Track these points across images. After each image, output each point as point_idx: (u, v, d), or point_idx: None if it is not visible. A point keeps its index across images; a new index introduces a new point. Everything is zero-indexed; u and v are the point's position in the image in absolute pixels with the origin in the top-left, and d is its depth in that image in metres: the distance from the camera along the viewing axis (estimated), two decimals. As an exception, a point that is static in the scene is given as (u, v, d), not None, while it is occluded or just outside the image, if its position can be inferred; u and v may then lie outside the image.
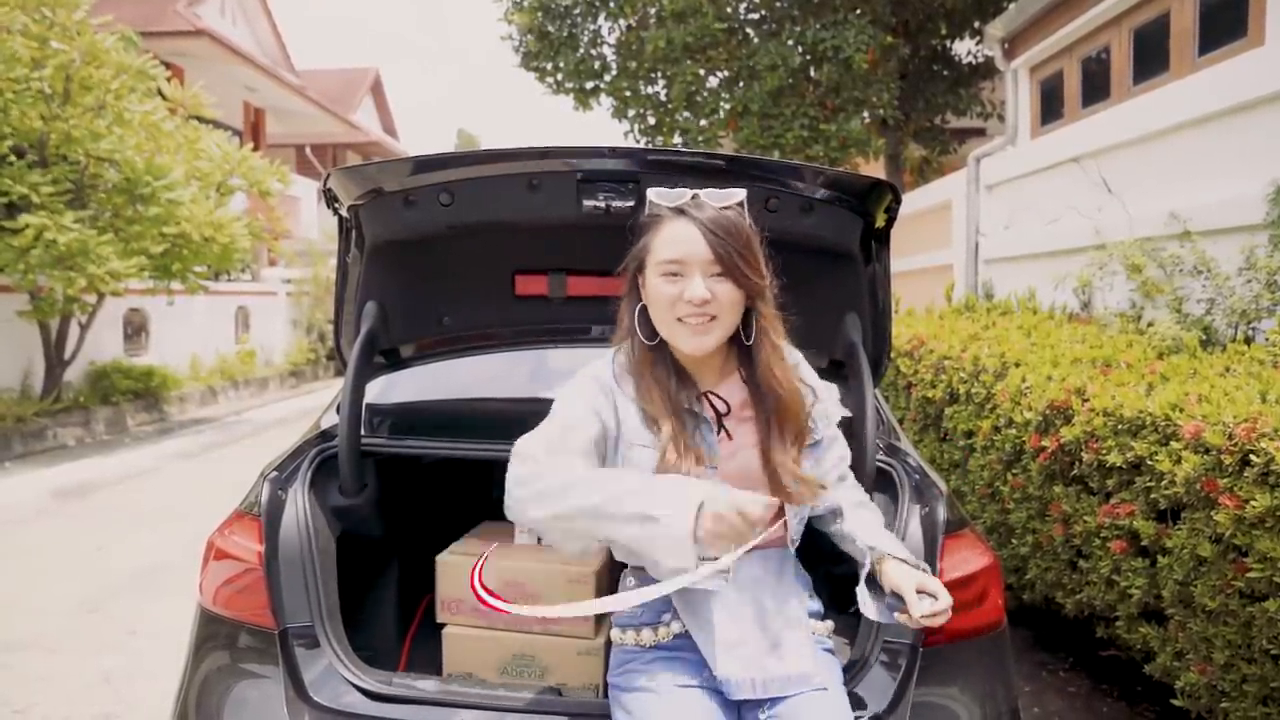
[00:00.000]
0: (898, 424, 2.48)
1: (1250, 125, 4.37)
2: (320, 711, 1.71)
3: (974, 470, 3.79)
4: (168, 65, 11.34)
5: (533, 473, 1.42)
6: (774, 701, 1.54)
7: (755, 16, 11.13)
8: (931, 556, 1.81)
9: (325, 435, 2.26)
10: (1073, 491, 3.05)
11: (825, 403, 1.67)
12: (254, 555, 1.88)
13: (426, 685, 1.79)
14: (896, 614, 1.49)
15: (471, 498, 2.68)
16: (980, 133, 12.17)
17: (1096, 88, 6.90)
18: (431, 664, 2.29)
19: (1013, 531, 3.52)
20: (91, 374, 10.37)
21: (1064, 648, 3.67)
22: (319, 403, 8.55)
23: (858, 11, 10.17)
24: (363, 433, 2.21)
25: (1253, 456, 2.22)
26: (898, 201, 2.01)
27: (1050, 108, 7.71)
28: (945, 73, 11.56)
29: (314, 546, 1.91)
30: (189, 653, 1.93)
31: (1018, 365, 3.59)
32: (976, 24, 10.70)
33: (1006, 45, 8.12)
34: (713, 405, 1.61)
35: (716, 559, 1.28)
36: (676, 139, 11.34)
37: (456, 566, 2.27)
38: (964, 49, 11.81)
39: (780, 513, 1.48)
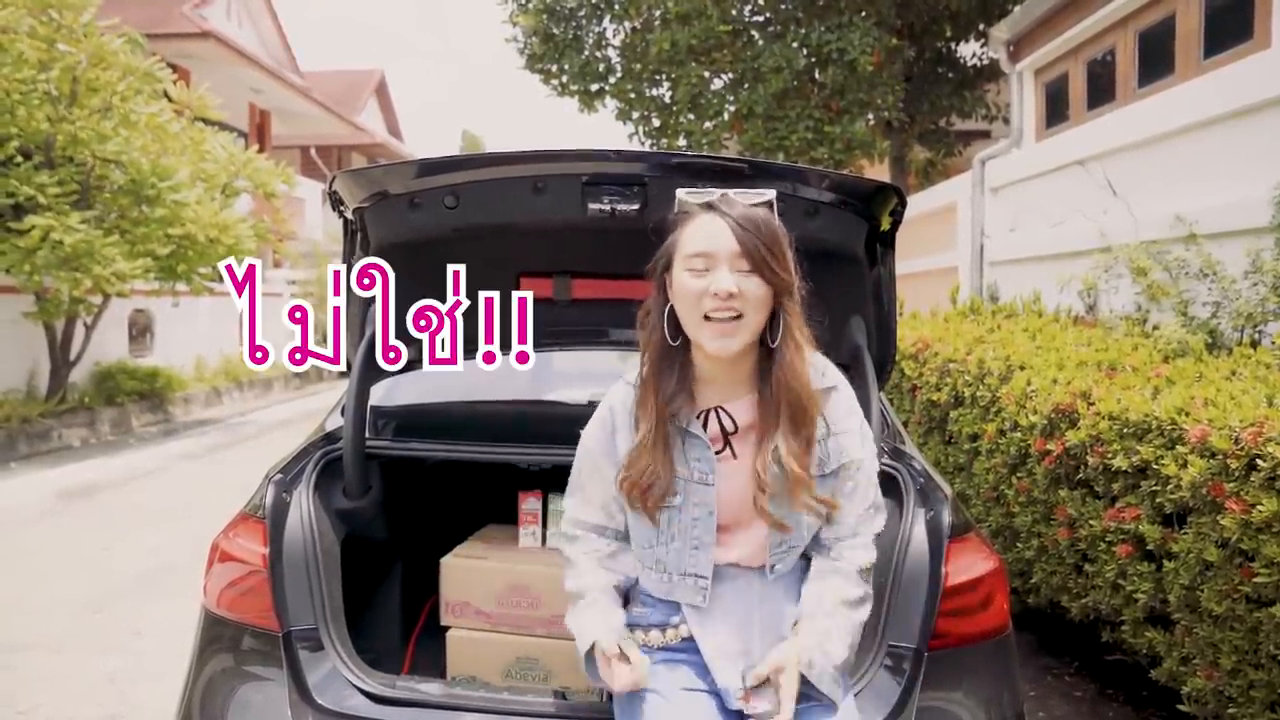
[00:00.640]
0: (902, 427, 2.47)
1: (1256, 128, 4.36)
2: (324, 714, 1.71)
3: (979, 474, 3.78)
4: (173, 67, 11.36)
5: (563, 548, 1.73)
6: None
7: (760, 19, 11.13)
8: (936, 561, 1.81)
9: (330, 437, 2.26)
10: (1078, 495, 3.04)
11: (840, 436, 1.59)
12: (258, 558, 1.88)
13: (430, 688, 1.79)
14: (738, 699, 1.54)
15: (476, 500, 2.68)
16: (985, 135, 12.14)
17: (1101, 90, 6.89)
18: (435, 667, 2.29)
19: (1018, 535, 3.51)
20: (96, 375, 10.40)
21: (1069, 652, 3.66)
22: (323, 404, 8.57)
23: (862, 14, 10.17)
24: (367, 435, 2.21)
25: (1259, 461, 2.21)
26: (903, 204, 2.00)
27: (1055, 110, 7.70)
28: (950, 75, 11.54)
29: (318, 549, 1.91)
30: (193, 655, 1.93)
31: (1023, 368, 3.58)
32: (981, 26, 10.68)
33: (1011, 48, 8.11)
34: (720, 422, 1.59)
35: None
36: (681, 141, 11.34)
37: (460, 569, 2.27)
38: (969, 51, 11.80)
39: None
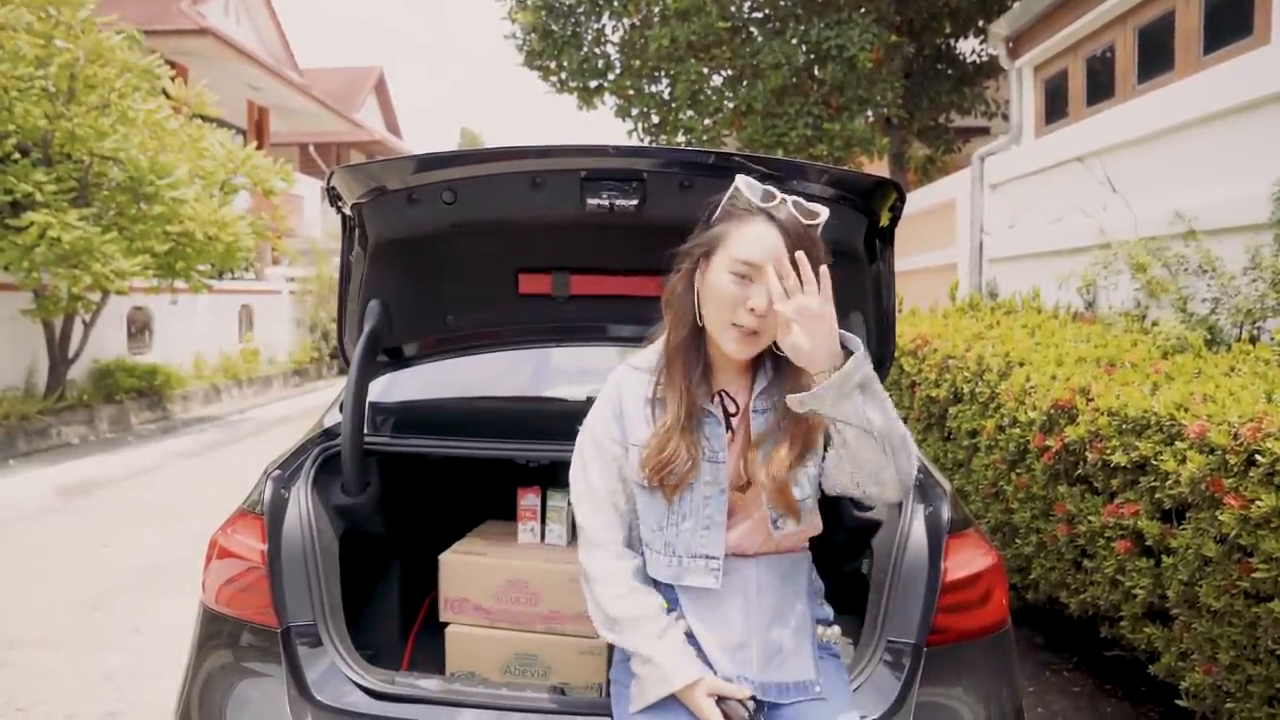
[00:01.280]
0: (902, 423, 2.47)
1: (1255, 124, 4.36)
2: (323, 710, 1.71)
3: (978, 470, 3.78)
4: (172, 64, 11.34)
5: (592, 568, 1.62)
6: (773, 707, 1.55)
7: (759, 15, 11.12)
8: (935, 556, 1.81)
9: (328, 434, 2.26)
10: (1077, 491, 3.05)
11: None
12: (257, 554, 1.88)
13: (429, 684, 1.79)
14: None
15: (475, 496, 2.68)
16: (984, 132, 12.14)
17: (1101, 86, 6.89)
18: (434, 663, 2.29)
19: (1017, 531, 3.51)
20: (95, 372, 10.39)
21: (1068, 648, 3.66)
22: (322, 401, 8.56)
23: (862, 10, 10.15)
24: (366, 431, 2.21)
25: (1258, 456, 2.21)
26: (902, 200, 2.00)
27: (1055, 106, 7.69)
28: (949, 71, 11.53)
29: (317, 545, 1.91)
30: (191, 651, 1.93)
31: (1022, 365, 3.58)
32: (981, 22, 10.67)
33: (1011, 44, 8.10)
34: (724, 405, 1.60)
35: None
36: (680, 138, 11.32)
37: (459, 565, 2.27)
38: (968, 48, 11.79)
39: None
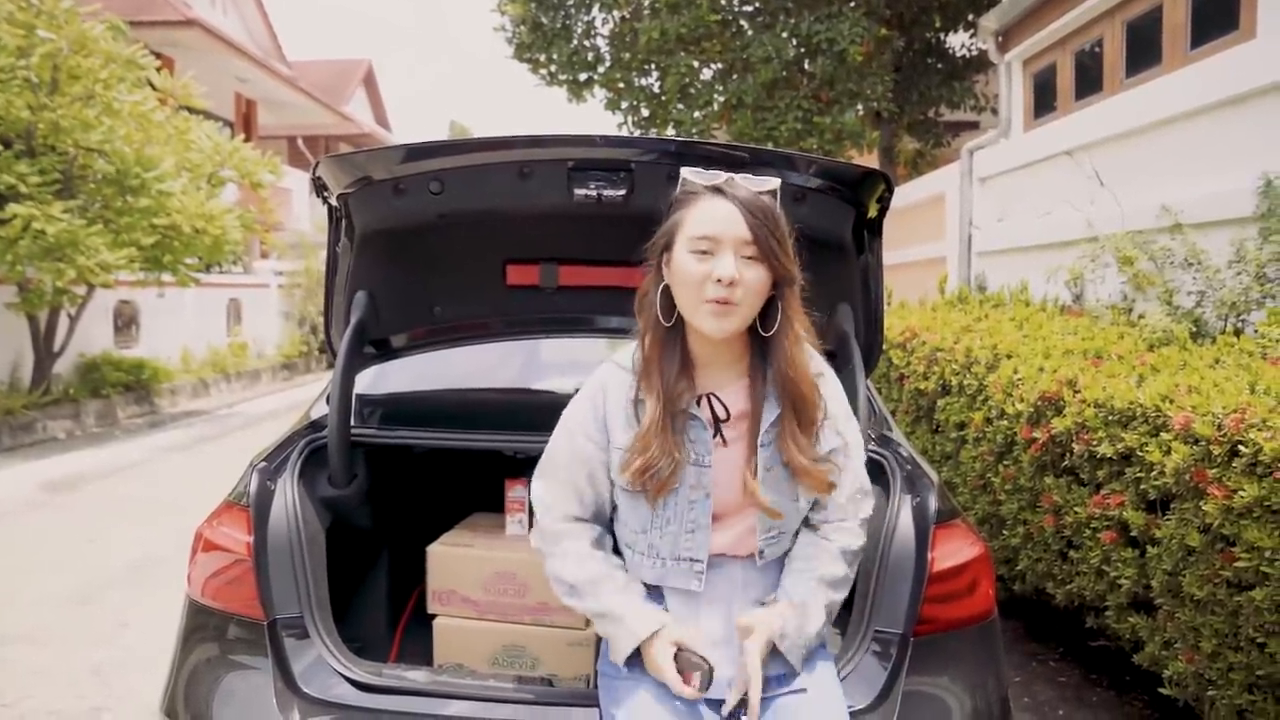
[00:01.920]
0: (889, 415, 2.48)
1: (1241, 118, 4.38)
2: (309, 703, 1.71)
3: (966, 462, 3.80)
4: (158, 55, 11.25)
5: (548, 536, 1.64)
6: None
7: (749, 8, 11.10)
8: (922, 547, 1.82)
9: (315, 425, 2.25)
10: (1063, 482, 3.06)
11: (836, 418, 1.61)
12: (243, 546, 1.87)
13: (416, 676, 1.78)
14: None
15: (463, 488, 2.67)
16: (974, 126, 12.16)
17: (1089, 81, 6.91)
18: (423, 655, 2.29)
19: (1004, 522, 3.53)
20: (81, 366, 10.32)
21: (1054, 638, 3.69)
22: (311, 395, 8.54)
23: (852, 4, 10.15)
24: (353, 423, 2.20)
25: (1241, 447, 2.23)
26: (890, 191, 2.00)
27: (1043, 100, 7.71)
28: (939, 66, 11.54)
29: (303, 537, 1.90)
30: (177, 644, 1.93)
31: (1009, 357, 3.59)
32: (970, 16, 10.69)
33: (1000, 38, 8.11)
34: (712, 409, 1.58)
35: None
36: (670, 131, 11.30)
37: (447, 557, 2.26)
38: (958, 42, 11.80)
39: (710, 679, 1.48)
